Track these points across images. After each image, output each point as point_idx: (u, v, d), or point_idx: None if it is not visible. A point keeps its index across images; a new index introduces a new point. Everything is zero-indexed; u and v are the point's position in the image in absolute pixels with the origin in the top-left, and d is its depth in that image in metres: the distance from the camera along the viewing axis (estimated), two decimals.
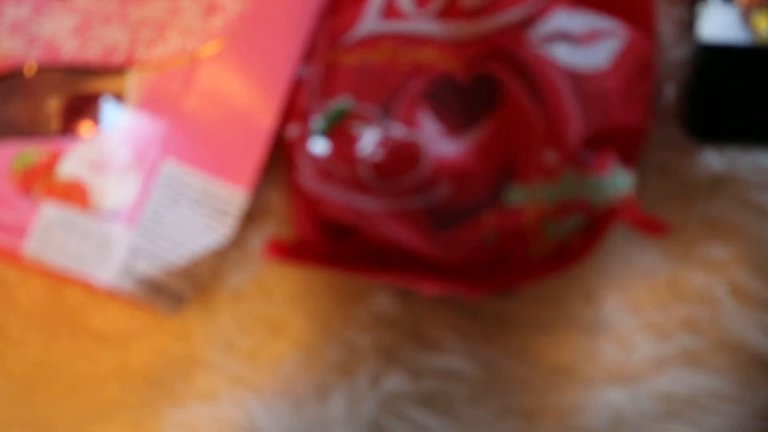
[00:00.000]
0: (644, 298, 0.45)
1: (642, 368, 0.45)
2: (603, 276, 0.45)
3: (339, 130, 0.44)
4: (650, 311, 0.45)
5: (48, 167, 0.44)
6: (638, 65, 0.43)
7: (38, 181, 0.44)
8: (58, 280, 0.47)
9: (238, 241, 0.47)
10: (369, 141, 0.43)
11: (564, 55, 0.42)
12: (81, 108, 0.45)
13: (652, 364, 0.45)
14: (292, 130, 0.46)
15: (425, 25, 0.44)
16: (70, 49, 0.46)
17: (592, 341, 0.45)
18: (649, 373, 0.45)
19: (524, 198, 0.41)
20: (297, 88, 0.46)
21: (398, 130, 0.43)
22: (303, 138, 0.45)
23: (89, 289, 0.46)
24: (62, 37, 0.46)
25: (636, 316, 0.45)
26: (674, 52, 0.45)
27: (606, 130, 0.42)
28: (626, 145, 0.43)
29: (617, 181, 0.42)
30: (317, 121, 0.44)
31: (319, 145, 0.44)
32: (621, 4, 0.44)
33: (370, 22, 0.45)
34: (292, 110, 0.46)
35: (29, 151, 0.44)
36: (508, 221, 0.41)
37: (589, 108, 0.42)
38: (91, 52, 0.46)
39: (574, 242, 0.42)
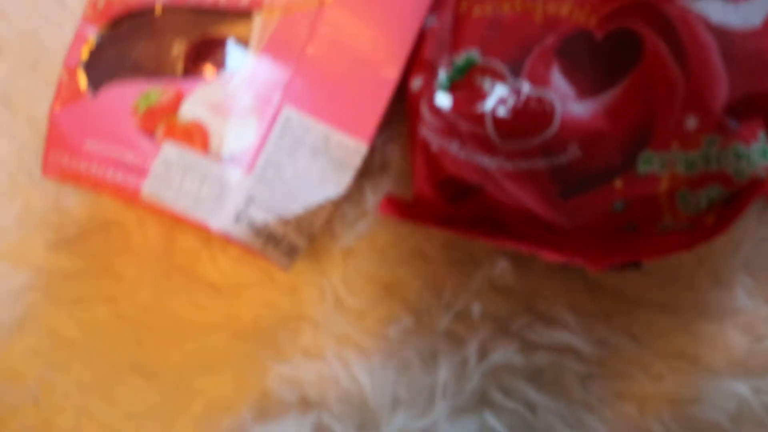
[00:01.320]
0: None
1: None
2: (735, 258, 0.43)
3: (465, 84, 0.42)
4: None
5: (171, 108, 0.44)
6: None
7: (161, 121, 0.44)
8: (174, 223, 0.47)
9: (353, 197, 0.46)
10: (496, 97, 0.41)
11: (714, 11, 0.39)
12: (206, 51, 0.45)
13: None
14: (416, 83, 0.44)
15: None
16: None
17: (718, 327, 0.43)
18: None
19: (659, 165, 0.39)
20: (423, 38, 0.45)
21: (528, 88, 0.41)
22: (427, 91, 0.43)
23: (204, 236, 0.46)
24: None
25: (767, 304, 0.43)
26: None
27: (754, 95, 0.39)
28: None
29: (763, 152, 0.39)
30: (443, 74, 0.43)
31: (444, 100, 0.43)
32: None
33: None
34: (417, 61, 0.45)
35: (154, 91, 0.44)
36: (639, 189, 0.39)
37: (738, 71, 0.39)
38: None
39: (709, 218, 0.40)
